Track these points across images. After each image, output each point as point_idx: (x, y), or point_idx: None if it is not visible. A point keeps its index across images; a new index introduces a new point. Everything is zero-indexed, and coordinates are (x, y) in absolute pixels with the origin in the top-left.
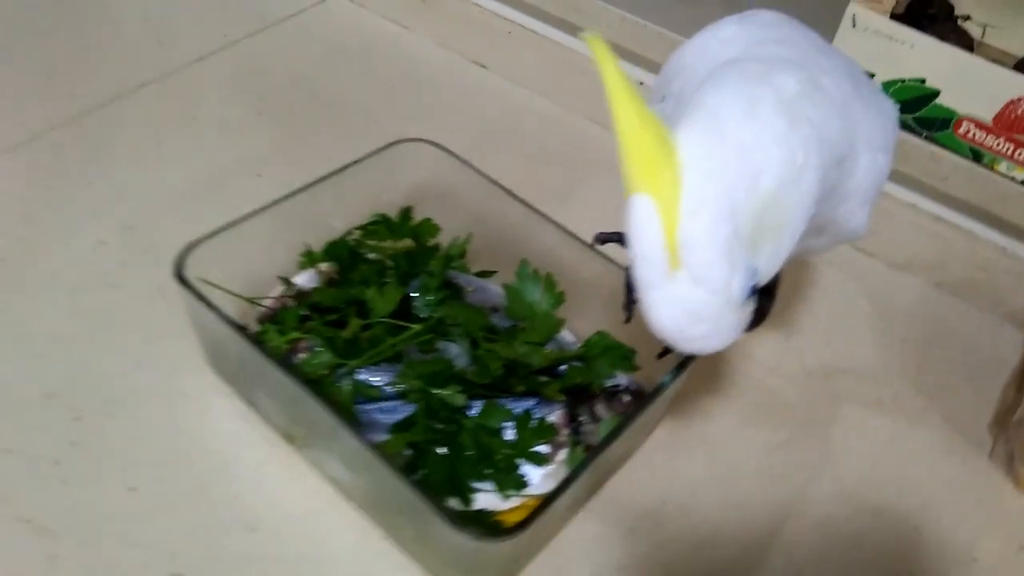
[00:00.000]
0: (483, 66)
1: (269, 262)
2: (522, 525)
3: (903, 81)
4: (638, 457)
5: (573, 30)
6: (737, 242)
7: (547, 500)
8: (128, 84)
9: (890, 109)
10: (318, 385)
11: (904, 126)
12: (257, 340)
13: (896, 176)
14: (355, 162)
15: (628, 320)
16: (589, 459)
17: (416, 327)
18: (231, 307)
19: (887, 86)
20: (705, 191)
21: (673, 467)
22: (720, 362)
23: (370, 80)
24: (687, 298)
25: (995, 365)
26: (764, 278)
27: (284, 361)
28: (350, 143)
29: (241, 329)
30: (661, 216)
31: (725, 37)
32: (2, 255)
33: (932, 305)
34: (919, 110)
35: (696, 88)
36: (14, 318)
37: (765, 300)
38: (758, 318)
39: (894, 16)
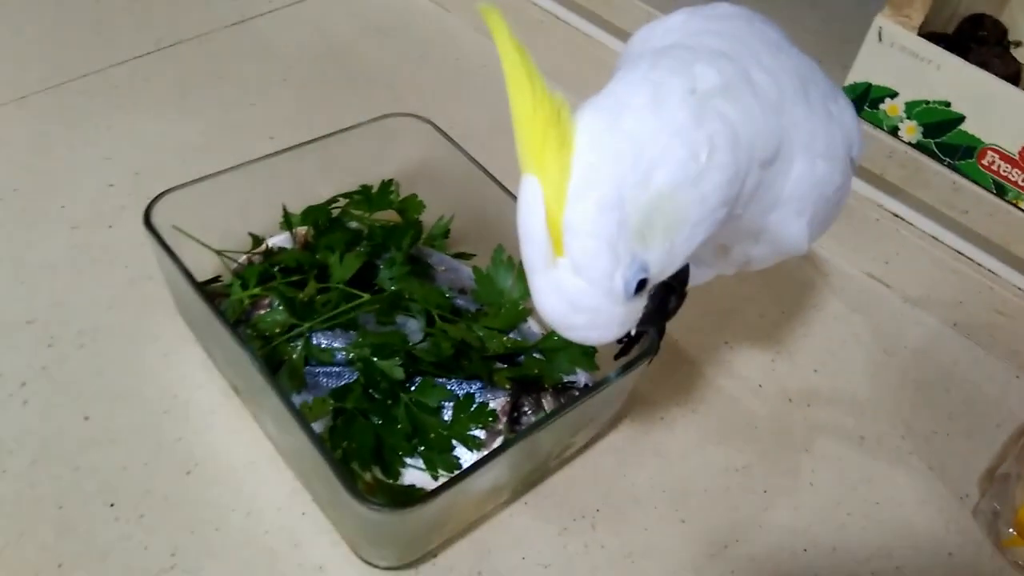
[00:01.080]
0: None
1: (253, 219)
2: (420, 500)
3: (927, 103)
4: (587, 457)
5: (603, 24)
6: (623, 234)
7: (453, 479)
8: (166, 40)
9: (848, 119)
10: (265, 341)
11: (926, 151)
12: (204, 290)
13: (916, 204)
14: (343, 130)
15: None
16: (508, 444)
17: (367, 296)
18: (206, 258)
19: (910, 107)
20: (593, 178)
21: (621, 472)
22: (695, 374)
23: (402, 57)
24: (567, 286)
25: (999, 418)
26: (658, 276)
27: (242, 315)
28: (367, 117)
29: (190, 277)
30: (547, 199)
31: (671, 26)
32: (16, 186)
33: (943, 346)
34: (942, 135)
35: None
36: (13, 245)
37: (672, 298)
38: (661, 316)
39: (943, 37)
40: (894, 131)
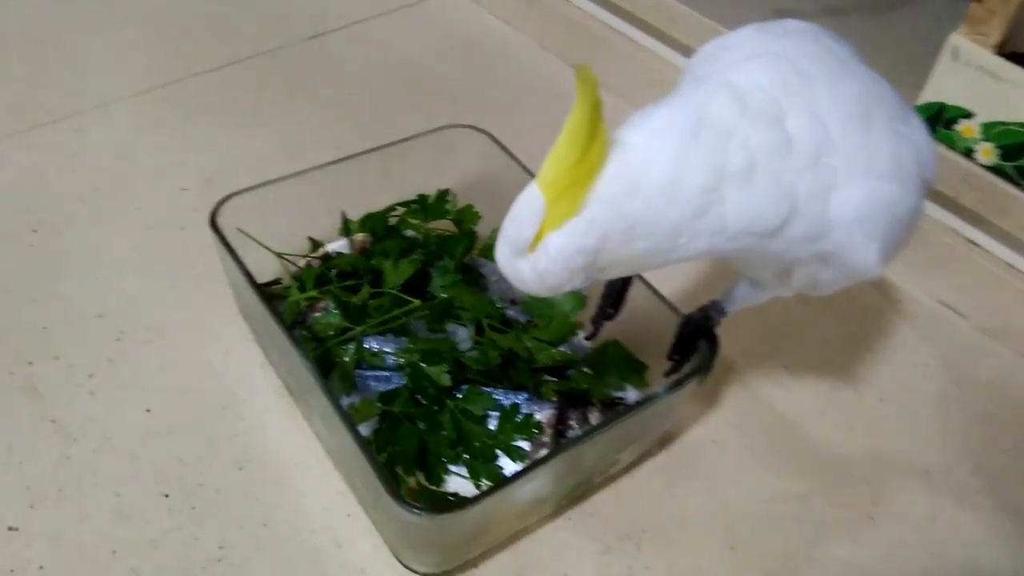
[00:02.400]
0: None
1: (313, 225)
2: (460, 506)
3: (1004, 124)
4: (634, 476)
5: (669, 41)
6: (587, 269)
7: (495, 487)
8: (243, 52)
9: (920, 139)
10: (319, 343)
11: (1003, 174)
12: (263, 290)
13: (994, 231)
14: (403, 140)
15: (594, 335)
16: (552, 454)
17: (418, 302)
18: (268, 262)
19: (987, 128)
20: (587, 230)
21: (669, 494)
22: (751, 397)
23: (466, 73)
24: (523, 272)
25: None
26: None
27: (299, 316)
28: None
29: (250, 277)
30: (546, 219)
31: (734, 42)
32: (97, 186)
33: (1018, 379)
34: (1021, 158)
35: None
36: (91, 243)
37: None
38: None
39: None
40: (968, 153)
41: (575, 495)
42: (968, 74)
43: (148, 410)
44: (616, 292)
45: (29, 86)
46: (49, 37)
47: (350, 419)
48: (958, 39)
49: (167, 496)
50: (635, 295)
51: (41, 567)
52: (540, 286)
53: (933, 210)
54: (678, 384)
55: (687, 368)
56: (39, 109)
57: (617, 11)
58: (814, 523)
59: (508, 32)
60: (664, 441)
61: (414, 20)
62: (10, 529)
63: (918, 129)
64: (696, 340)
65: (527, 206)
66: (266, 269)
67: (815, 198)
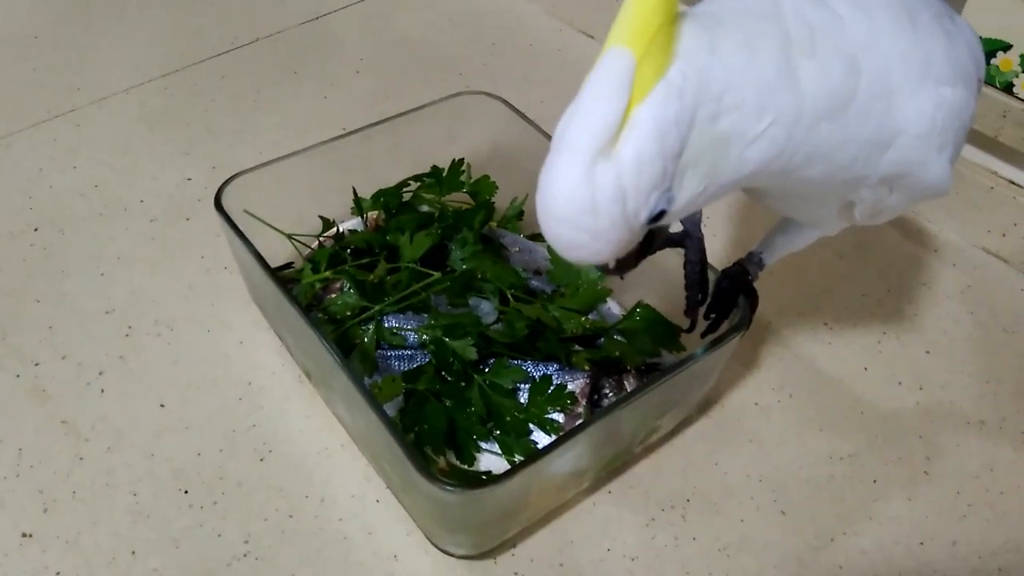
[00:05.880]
0: (590, 36)
1: (324, 204)
2: (495, 480)
3: None
4: (674, 444)
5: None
6: (676, 158)
7: (527, 460)
8: (242, 38)
9: (971, 36)
10: (336, 325)
11: None
12: (274, 272)
13: None
14: (413, 110)
15: (692, 327)
16: (587, 423)
17: (437, 275)
18: (277, 245)
19: None
20: (684, 87)
21: (712, 460)
22: (791, 356)
23: (474, 46)
24: (605, 187)
25: None
26: (674, 216)
27: (313, 299)
28: None
29: (261, 259)
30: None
31: None
32: (97, 181)
33: None
34: None
35: None
36: (93, 238)
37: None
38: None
39: None
40: (1008, 88)
41: (615, 467)
42: (1004, 3)
43: (162, 405)
44: (697, 276)
45: (24, 84)
46: (42, 34)
47: (374, 398)
48: None
49: (186, 492)
50: (667, 255)
51: (58, 573)
52: (620, 204)
53: (970, 151)
54: (716, 343)
55: (725, 326)
56: (36, 107)
57: None
58: (866, 483)
59: (512, 2)
60: (704, 407)
61: None
62: (24, 535)
63: (965, 27)
64: (734, 296)
65: (610, 75)
66: (276, 254)
67: (877, 94)
